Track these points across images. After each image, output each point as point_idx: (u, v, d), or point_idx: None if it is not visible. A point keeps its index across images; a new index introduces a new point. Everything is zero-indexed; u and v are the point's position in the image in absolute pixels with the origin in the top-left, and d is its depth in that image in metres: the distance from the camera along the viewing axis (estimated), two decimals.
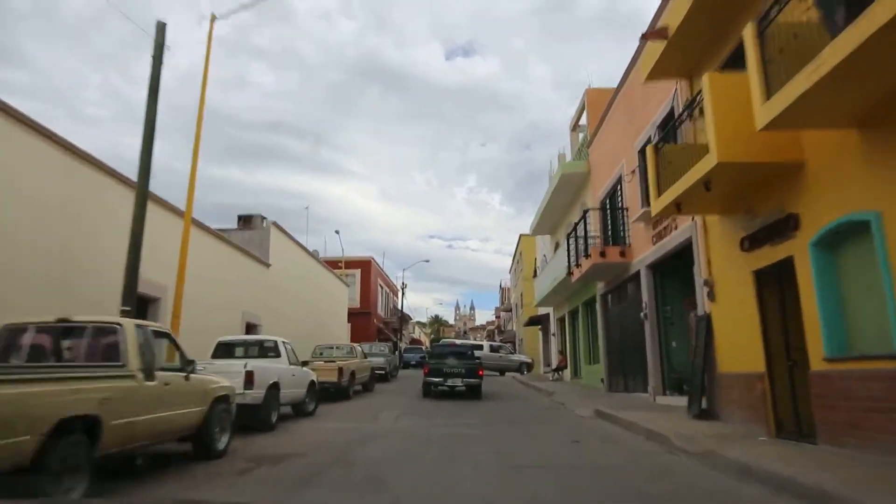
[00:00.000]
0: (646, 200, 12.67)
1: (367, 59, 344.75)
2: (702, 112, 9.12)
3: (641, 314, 12.96)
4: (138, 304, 11.59)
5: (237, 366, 8.72)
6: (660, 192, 8.88)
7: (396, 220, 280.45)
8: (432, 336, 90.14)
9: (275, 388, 9.56)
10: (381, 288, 45.50)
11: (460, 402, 15.81)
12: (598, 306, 17.23)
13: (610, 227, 15.73)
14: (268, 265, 18.15)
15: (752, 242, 7.98)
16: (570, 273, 16.48)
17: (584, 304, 19.57)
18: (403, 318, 51.52)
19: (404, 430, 9.79)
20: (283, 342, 10.90)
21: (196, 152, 11.18)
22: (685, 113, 8.98)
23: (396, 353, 45.47)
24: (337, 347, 18.23)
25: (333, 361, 16.37)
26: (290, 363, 10.83)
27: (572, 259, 16.48)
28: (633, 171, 13.43)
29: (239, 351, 10.90)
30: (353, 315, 37.32)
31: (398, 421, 11.09)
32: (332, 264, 37.24)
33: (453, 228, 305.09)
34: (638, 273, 13.48)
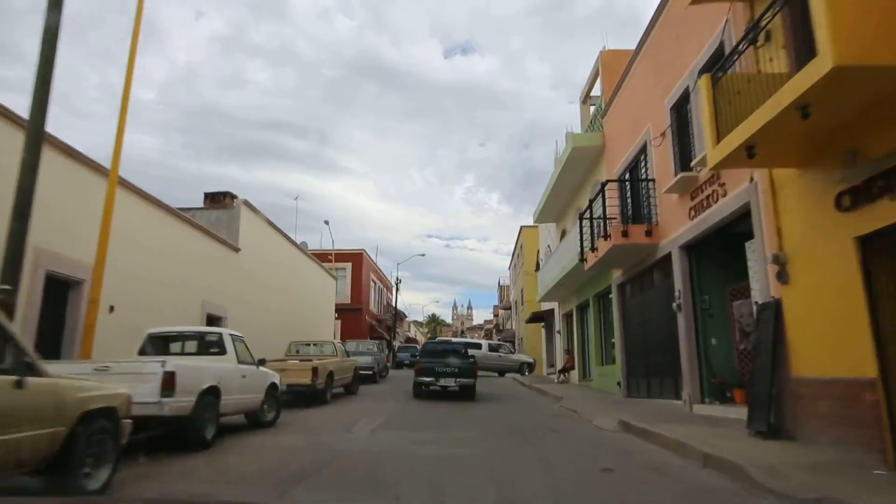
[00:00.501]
0: (681, 165, 10.47)
1: (365, 56, 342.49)
2: (769, 37, 6.94)
3: (673, 305, 10.75)
4: (55, 286, 9.37)
5: (152, 366, 6.47)
6: (719, 137, 6.66)
7: (394, 218, 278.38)
8: (429, 335, 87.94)
9: (211, 393, 7.33)
10: (374, 283, 43.26)
11: (453, 406, 13.64)
12: (613, 298, 15.02)
13: (630, 204, 13.52)
14: (237, 249, 15.90)
15: (856, 198, 5.77)
16: (582, 259, 14.27)
17: (595, 296, 17.36)
18: (398, 316, 49.28)
19: (380, 449, 7.57)
20: (232, 336, 8.66)
21: (126, 99, 8.95)
22: (752, 35, 6.75)
23: (387, 351, 43.25)
24: (315, 344, 16.01)
25: (310, 360, 14.19)
26: (240, 362, 8.59)
27: (586, 243, 14.25)
28: (663, 134, 11.22)
29: (176, 346, 8.65)
30: (342, 311, 35.15)
31: (376, 434, 8.87)
32: (322, 257, 35.04)
33: (451, 228, 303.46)
34: (667, 256, 11.27)
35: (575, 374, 20.04)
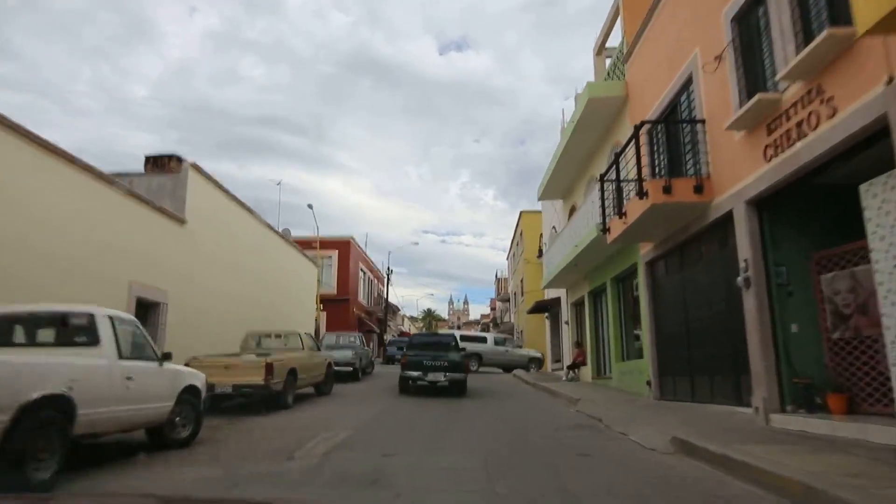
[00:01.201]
0: (747, 92, 7.73)
1: (360, 52, 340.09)
2: None
3: (738, 280, 8.02)
4: None
5: None
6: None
7: (390, 214, 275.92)
8: (424, 331, 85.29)
9: (49, 407, 4.57)
10: (364, 274, 40.47)
11: (444, 409, 11.05)
12: (640, 279, 12.31)
13: (666, 158, 10.77)
14: (182, 221, 13.10)
15: None
16: (604, 230, 11.53)
17: (614, 279, 14.64)
18: (388, 309, 46.54)
19: (320, 494, 4.82)
20: (112, 318, 5.85)
21: None
22: None
23: (372, 345, 40.45)
24: (277, 335, 13.24)
25: (268, 354, 11.48)
26: (125, 356, 5.81)
27: (609, 211, 11.52)
28: (719, 57, 8.46)
29: (21, 334, 5.84)
30: (328, 302, 32.43)
31: (328, 460, 6.13)
32: (305, 244, 32.25)
33: (447, 223, 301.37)
34: (725, 218, 8.56)
35: (587, 371, 17.33)
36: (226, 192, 15.61)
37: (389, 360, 30.76)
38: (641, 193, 9.22)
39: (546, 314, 24.14)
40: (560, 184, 19.43)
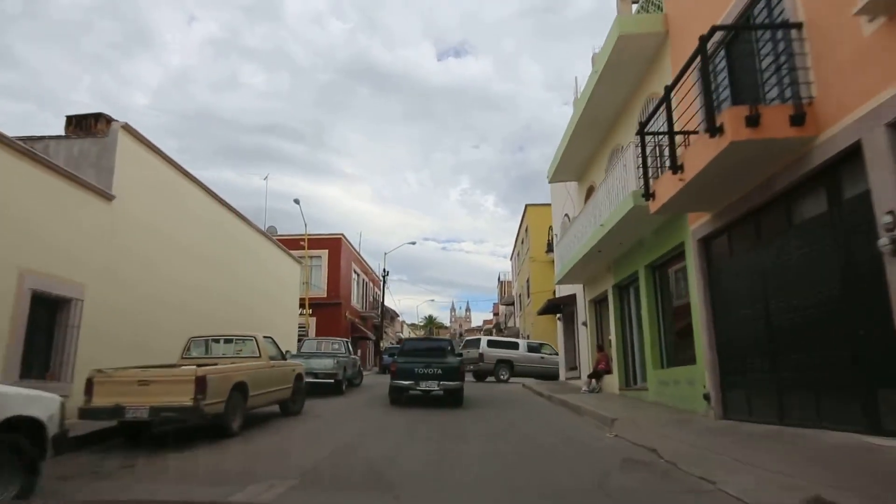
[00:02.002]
0: None
1: (359, 59, 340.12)
2: None
3: (880, 243, 5.28)
4: None
5: None
6: None
7: (390, 221, 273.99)
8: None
9: None
10: (358, 276, 37.76)
11: (438, 435, 8.32)
12: (691, 263, 9.58)
13: (727, 93, 8.05)
14: (108, 197, 10.41)
15: None
16: (647, 196, 8.78)
17: (650, 267, 11.91)
18: (384, 314, 43.81)
19: None
20: None
21: None
22: None
23: (368, 353, 37.60)
24: (228, 340, 10.51)
25: (215, 363, 8.84)
26: None
27: (652, 173, 8.81)
28: None
29: None
30: (317, 306, 29.81)
31: None
32: (292, 243, 29.67)
33: (447, 230, 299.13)
34: (842, 157, 5.85)
35: (612, 380, 14.56)
36: (175, 165, 12.91)
37: (385, 368, 28.01)
38: (713, 129, 6.48)
39: (558, 315, 21.37)
40: (574, 162, 16.74)
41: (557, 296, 20.61)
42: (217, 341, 10.42)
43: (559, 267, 17.24)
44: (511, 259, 47.64)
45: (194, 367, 7.84)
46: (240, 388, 8.51)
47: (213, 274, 14.83)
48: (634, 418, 9.34)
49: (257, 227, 19.20)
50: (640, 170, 9.20)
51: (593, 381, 15.43)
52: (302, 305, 28.97)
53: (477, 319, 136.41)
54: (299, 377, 11.25)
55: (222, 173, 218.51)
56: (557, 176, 17.91)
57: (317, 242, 31.27)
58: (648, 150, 9.06)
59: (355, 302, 36.50)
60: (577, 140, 15.54)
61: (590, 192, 16.42)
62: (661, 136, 9.18)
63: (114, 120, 10.86)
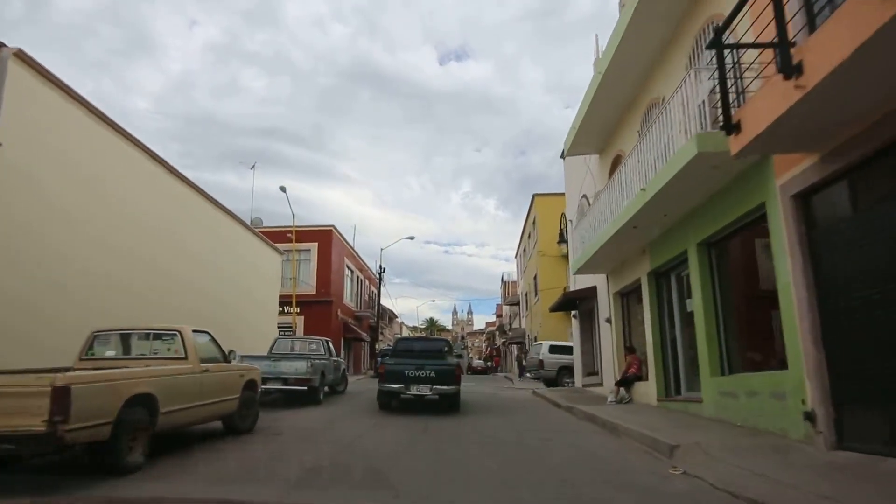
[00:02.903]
0: None
1: (360, 63, 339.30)
2: None
3: None
4: None
5: None
6: None
7: (392, 225, 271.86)
8: None
9: None
10: (352, 272, 35.14)
11: (434, 463, 5.67)
12: (779, 228, 6.94)
13: None
14: None
15: None
16: (730, 129, 6.11)
17: (705, 244, 9.28)
18: (381, 313, 41.20)
19: None
20: None
21: None
22: None
23: (363, 355, 34.84)
24: (146, 336, 7.88)
25: (125, 366, 6.24)
26: None
27: (732, 99, 6.18)
28: None
29: None
30: (305, 304, 27.20)
31: None
32: (278, 235, 27.18)
33: (449, 234, 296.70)
34: None
35: (646, 389, 11.91)
36: (94, 111, 10.29)
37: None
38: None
39: (573, 312, 18.72)
40: (596, 130, 14.16)
41: (572, 290, 17.93)
42: (132, 337, 7.79)
43: (577, 255, 14.61)
44: (516, 257, 44.98)
45: (55, 374, 5.22)
46: (142, 403, 5.90)
47: (161, 254, 12.25)
48: (700, 443, 6.70)
49: (227, 209, 16.62)
50: (713, 98, 6.57)
51: (621, 389, 12.77)
52: (288, 303, 26.48)
53: (479, 322, 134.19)
54: (251, 385, 8.63)
55: (225, 177, 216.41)
56: (575, 148, 15.30)
57: (306, 235, 28.68)
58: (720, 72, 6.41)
59: (349, 300, 33.87)
60: (599, 104, 12.99)
61: (616, 163, 13.82)
62: (741, 53, 6.59)
63: (5, 45, 8.26)
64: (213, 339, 8.02)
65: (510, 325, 49.87)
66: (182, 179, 13.71)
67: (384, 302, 45.86)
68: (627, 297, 13.97)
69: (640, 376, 12.60)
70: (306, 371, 12.17)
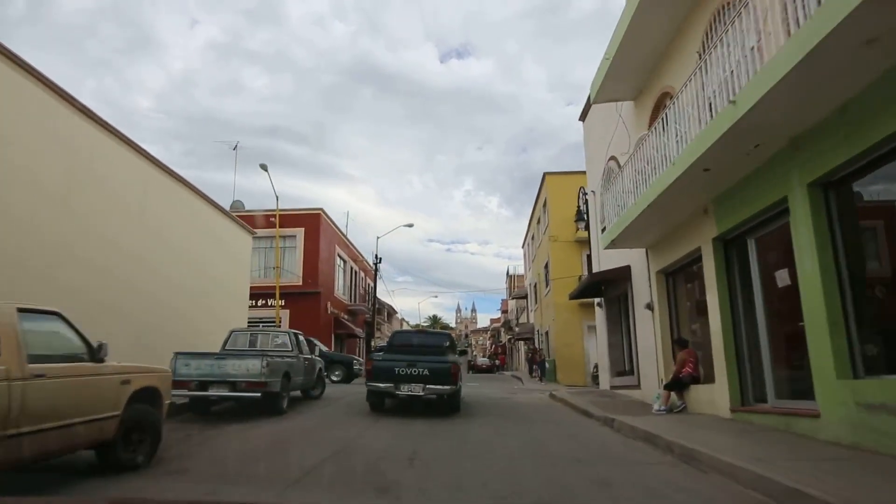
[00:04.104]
0: None
1: (362, 61, 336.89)
2: None
3: None
4: None
5: None
6: None
7: (394, 223, 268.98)
8: None
9: None
10: (345, 262, 32.24)
11: None
12: None
13: None
14: None
15: None
16: None
17: (816, 185, 6.30)
18: (381, 310, 38.33)
19: None
20: None
21: None
22: None
23: (358, 353, 31.83)
24: None
25: None
26: None
27: None
28: None
29: None
30: (290, 295, 24.38)
31: None
32: (250, 220, 24.35)
33: (452, 232, 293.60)
34: None
35: (709, 393, 8.94)
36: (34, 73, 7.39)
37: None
38: None
39: (598, 300, 15.73)
40: (633, 68, 11.26)
41: (599, 271, 14.91)
42: None
43: (609, 225, 11.67)
44: (523, 246, 41.98)
45: None
46: None
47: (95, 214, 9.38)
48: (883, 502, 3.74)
49: (182, 178, 13.72)
50: None
51: (672, 394, 9.83)
52: (271, 295, 23.62)
53: (483, 320, 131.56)
54: (144, 396, 5.71)
55: (228, 176, 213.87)
56: (605, 94, 12.33)
57: (291, 219, 25.78)
58: None
59: (341, 292, 30.96)
60: (638, 32, 10.07)
61: (660, 104, 10.89)
62: None
63: None
64: (70, 326, 5.09)
65: (517, 320, 46.91)
66: (114, 133, 10.86)
67: (384, 298, 43.08)
68: (674, 277, 11.02)
69: (698, 377, 9.66)
70: (260, 372, 9.24)
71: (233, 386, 9.27)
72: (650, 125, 10.40)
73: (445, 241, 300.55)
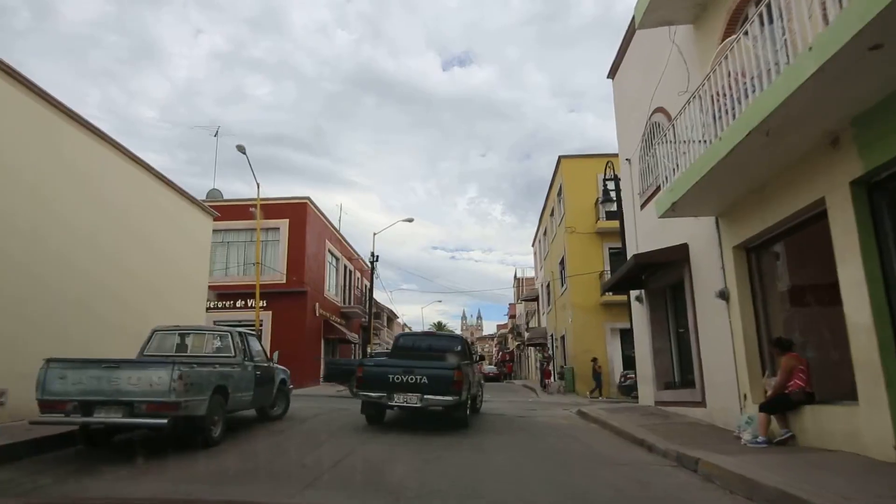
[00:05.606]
0: None
1: (364, 70, 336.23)
2: None
3: None
4: None
5: None
6: None
7: (399, 230, 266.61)
8: None
9: None
10: (337, 260, 29.26)
11: None
12: None
13: None
14: None
15: None
16: None
17: None
18: (381, 314, 35.32)
19: None
20: None
21: None
22: None
23: (354, 359, 28.15)
24: None
25: None
26: None
27: None
28: None
29: None
30: (272, 295, 21.45)
31: None
32: (239, 210, 21.54)
33: (456, 239, 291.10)
34: None
35: (853, 421, 5.84)
36: None
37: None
38: None
39: (636, 294, 12.64)
40: None
41: (642, 251, 11.77)
42: None
43: (669, 184, 8.64)
44: (533, 244, 38.89)
45: None
46: None
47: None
48: None
49: (137, 158, 10.82)
50: None
51: (772, 417, 6.76)
52: (250, 295, 20.69)
53: (489, 328, 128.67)
54: None
55: (232, 185, 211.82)
56: (656, 13, 9.29)
57: (274, 210, 22.85)
58: None
59: (332, 293, 27.94)
60: None
61: (734, 22, 7.91)
62: None
63: None
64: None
65: (527, 324, 43.73)
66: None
67: (385, 303, 39.99)
68: (760, 253, 7.97)
69: (812, 394, 6.59)
70: (168, 388, 6.23)
71: (129, 409, 6.26)
72: (717, 56, 7.39)
73: (449, 248, 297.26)
